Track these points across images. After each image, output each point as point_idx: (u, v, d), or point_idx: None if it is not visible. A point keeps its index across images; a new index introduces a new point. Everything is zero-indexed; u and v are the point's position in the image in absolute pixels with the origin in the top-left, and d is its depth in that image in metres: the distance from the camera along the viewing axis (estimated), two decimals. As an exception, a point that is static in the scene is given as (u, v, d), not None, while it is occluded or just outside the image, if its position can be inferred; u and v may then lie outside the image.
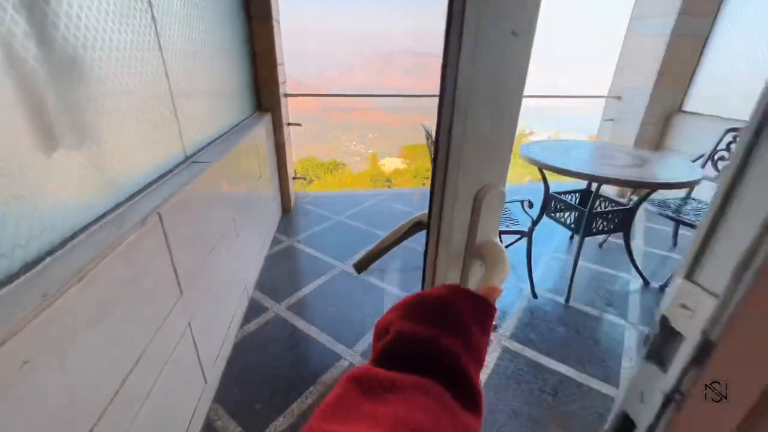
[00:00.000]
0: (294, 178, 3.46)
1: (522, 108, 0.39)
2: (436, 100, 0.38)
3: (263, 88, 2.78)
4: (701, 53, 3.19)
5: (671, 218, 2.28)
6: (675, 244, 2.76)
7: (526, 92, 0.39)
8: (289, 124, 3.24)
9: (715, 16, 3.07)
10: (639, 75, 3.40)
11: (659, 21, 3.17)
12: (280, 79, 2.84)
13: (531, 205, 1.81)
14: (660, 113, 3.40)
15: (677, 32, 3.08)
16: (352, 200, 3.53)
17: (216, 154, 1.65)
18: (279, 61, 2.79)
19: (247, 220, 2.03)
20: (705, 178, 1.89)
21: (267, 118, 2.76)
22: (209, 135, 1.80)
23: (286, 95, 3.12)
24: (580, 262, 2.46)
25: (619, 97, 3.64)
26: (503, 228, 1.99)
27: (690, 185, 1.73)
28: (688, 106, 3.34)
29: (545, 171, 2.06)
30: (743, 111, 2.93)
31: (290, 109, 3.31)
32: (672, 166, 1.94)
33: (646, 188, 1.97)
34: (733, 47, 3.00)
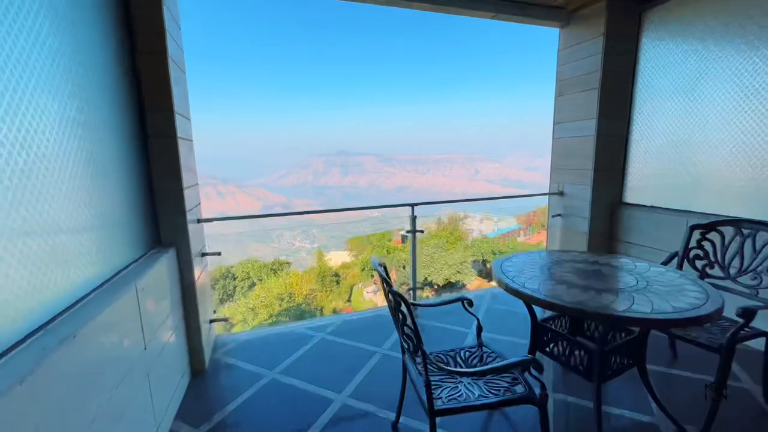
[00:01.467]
0: (213, 322, 2.67)
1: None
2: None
3: (164, 218, 2.18)
4: (626, 151, 3.35)
5: (679, 337, 1.91)
6: (675, 356, 2.39)
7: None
8: (204, 254, 2.58)
9: (629, 120, 3.31)
10: (576, 172, 3.45)
11: (583, 124, 3.33)
12: (189, 204, 2.27)
13: (540, 369, 1.27)
14: (604, 207, 3.38)
15: (601, 133, 3.22)
16: (289, 340, 2.77)
17: (51, 343, 0.95)
18: (187, 183, 2.26)
19: (113, 427, 1.23)
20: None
21: (169, 255, 2.10)
22: (45, 308, 1.10)
23: (199, 221, 2.53)
24: (589, 405, 1.93)
25: (562, 193, 3.63)
26: (501, 396, 1.41)
27: (718, 314, 1.37)
28: (628, 198, 3.37)
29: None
30: (677, 201, 2.97)
31: (208, 235, 2.70)
32: (681, 289, 1.60)
33: (687, 326, 1.60)
34: (649, 145, 3.17)
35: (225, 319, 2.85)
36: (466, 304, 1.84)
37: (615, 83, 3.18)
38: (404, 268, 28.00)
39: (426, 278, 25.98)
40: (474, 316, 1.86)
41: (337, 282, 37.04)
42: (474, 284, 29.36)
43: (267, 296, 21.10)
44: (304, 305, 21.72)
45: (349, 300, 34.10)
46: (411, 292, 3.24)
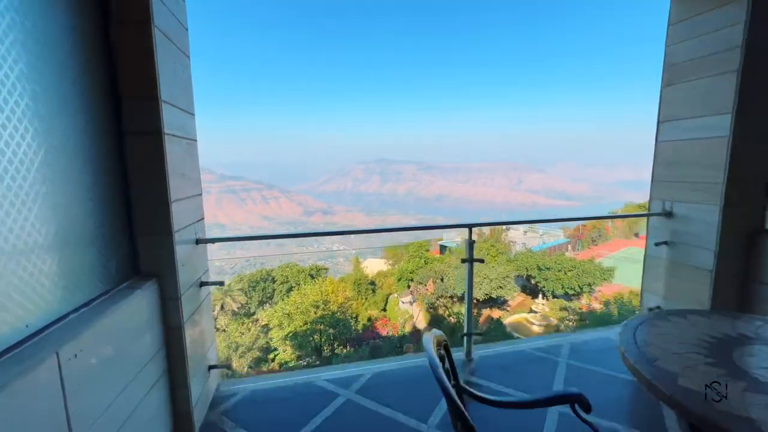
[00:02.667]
0: (212, 368, 2.11)
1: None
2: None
3: (143, 239, 1.65)
4: (775, 157, 2.40)
5: None
6: None
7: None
8: (204, 283, 2.04)
9: (781, 114, 2.37)
10: (695, 186, 2.55)
11: (709, 121, 2.44)
12: (180, 221, 1.73)
13: None
14: (739, 235, 2.45)
15: (739, 133, 2.31)
16: (305, 397, 2.14)
17: None
18: (177, 194, 1.72)
19: None
20: None
21: (147, 290, 1.56)
22: None
23: (198, 242, 1.99)
24: None
25: (670, 214, 2.72)
26: None
27: None
28: (777, 224, 2.42)
29: None
30: None
31: (212, 257, 2.17)
32: None
33: None
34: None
35: (226, 366, 2.29)
36: (579, 410, 1.10)
37: (764, 63, 2.27)
38: (442, 280, 26.82)
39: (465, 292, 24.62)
40: (592, 427, 1.11)
41: (373, 290, 36.53)
42: (517, 301, 27.43)
43: (303, 302, 21.01)
44: (339, 314, 21.37)
45: (384, 309, 33.44)
46: (465, 339, 2.50)
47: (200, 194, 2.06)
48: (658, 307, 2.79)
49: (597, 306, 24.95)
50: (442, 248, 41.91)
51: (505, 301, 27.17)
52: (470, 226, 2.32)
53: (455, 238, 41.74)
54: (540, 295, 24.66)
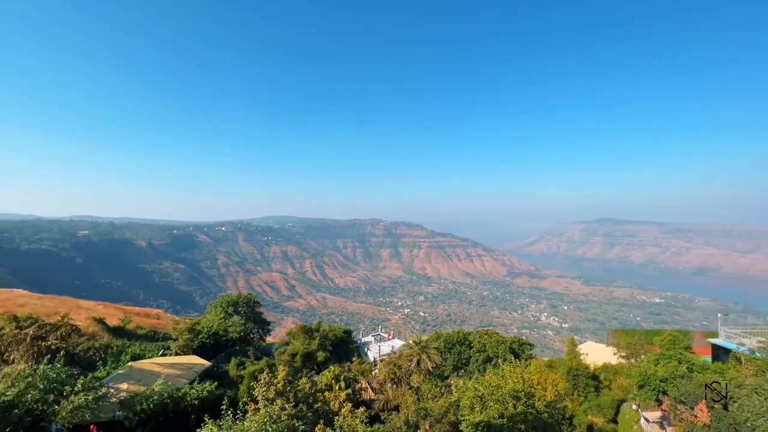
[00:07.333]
0: None
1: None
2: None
3: None
4: None
5: None
6: None
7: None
8: None
9: None
10: None
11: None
12: None
13: None
14: None
15: None
16: None
17: None
18: None
19: None
20: None
21: None
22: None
23: None
24: None
25: None
26: None
27: None
28: None
29: None
30: None
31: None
32: None
33: None
34: None
35: None
36: None
37: None
38: (726, 408, 16.97)
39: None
40: None
41: (596, 389, 27.82)
42: None
43: (501, 387, 17.61)
44: (545, 414, 16.61)
45: (614, 420, 24.49)
46: None
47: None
48: None
49: None
50: (717, 350, 27.53)
51: None
52: None
53: (743, 339, 27.09)
54: None
